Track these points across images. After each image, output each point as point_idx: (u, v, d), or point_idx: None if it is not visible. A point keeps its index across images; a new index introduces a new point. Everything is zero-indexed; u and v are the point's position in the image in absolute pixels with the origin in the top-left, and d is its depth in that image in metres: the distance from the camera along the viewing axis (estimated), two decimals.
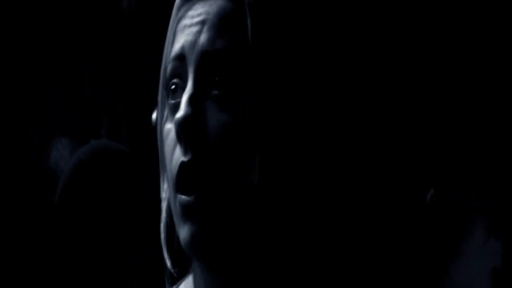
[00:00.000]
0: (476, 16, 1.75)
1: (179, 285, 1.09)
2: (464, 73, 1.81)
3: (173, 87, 0.98)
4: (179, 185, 0.95)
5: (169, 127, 0.98)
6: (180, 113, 0.93)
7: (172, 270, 1.03)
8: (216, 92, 0.94)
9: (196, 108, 0.94)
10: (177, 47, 0.98)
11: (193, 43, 0.96)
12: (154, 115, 1.12)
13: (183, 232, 0.95)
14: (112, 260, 0.93)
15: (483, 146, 1.79)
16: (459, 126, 1.81)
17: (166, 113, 1.00)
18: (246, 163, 0.94)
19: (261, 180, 0.93)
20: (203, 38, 0.96)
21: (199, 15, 0.98)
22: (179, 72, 0.97)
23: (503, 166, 1.78)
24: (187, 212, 0.95)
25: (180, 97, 0.96)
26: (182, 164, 0.94)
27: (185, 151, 0.94)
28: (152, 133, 1.05)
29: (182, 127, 0.93)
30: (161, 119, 1.01)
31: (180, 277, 1.08)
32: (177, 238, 0.97)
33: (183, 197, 0.95)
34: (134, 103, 1.65)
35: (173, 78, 0.98)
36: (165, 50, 1.01)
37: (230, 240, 0.96)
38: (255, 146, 0.94)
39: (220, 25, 0.96)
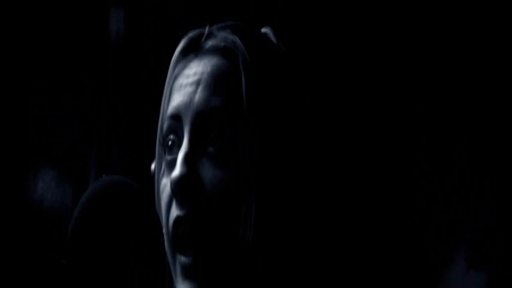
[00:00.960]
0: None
1: None
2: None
3: (169, 143, 1.01)
4: (176, 245, 0.98)
5: (165, 182, 1.01)
6: (175, 172, 0.96)
7: None
8: (211, 149, 0.97)
9: (191, 166, 0.97)
10: (173, 106, 1.01)
11: (188, 103, 0.99)
12: (152, 166, 1.10)
13: None
14: None
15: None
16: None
17: (163, 167, 1.03)
18: (241, 218, 0.96)
19: (255, 236, 0.96)
20: (197, 98, 0.98)
21: (194, 74, 1.01)
22: (175, 130, 1.01)
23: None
24: (187, 272, 0.97)
25: (176, 153, 0.99)
26: (178, 218, 0.97)
27: (180, 207, 0.97)
28: (151, 183, 1.07)
29: (178, 186, 0.96)
30: (159, 172, 1.04)
31: None
32: None
33: (182, 258, 0.97)
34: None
35: (169, 135, 1.02)
36: (162, 106, 1.04)
37: (223, 279, 0.97)
38: (249, 201, 0.96)
39: (215, 83, 0.99)
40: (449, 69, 1.78)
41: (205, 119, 0.98)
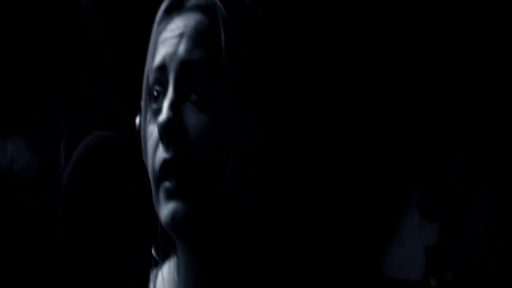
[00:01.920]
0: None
1: (162, 266, 1.16)
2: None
3: (155, 93, 1.09)
4: (161, 175, 1.04)
5: (152, 129, 1.09)
6: (162, 117, 1.04)
7: (156, 256, 1.11)
8: (194, 96, 1.05)
9: (176, 111, 1.05)
10: (158, 58, 1.10)
11: (173, 53, 1.07)
12: (137, 120, 1.17)
13: (165, 210, 1.05)
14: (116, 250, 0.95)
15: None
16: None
17: (149, 116, 1.11)
18: (222, 158, 1.04)
19: (235, 174, 1.04)
20: (181, 48, 1.07)
21: (177, 28, 1.09)
22: (161, 81, 1.09)
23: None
24: (170, 194, 1.04)
25: (162, 102, 1.07)
26: (165, 160, 1.04)
27: (167, 150, 1.05)
28: (137, 135, 1.14)
29: (165, 129, 1.04)
30: (145, 122, 1.12)
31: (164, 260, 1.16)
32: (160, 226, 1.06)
33: (166, 183, 1.04)
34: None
35: (155, 86, 1.10)
36: (147, 61, 1.13)
37: (209, 219, 1.05)
38: (230, 143, 1.04)
39: (197, 37, 1.07)
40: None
41: (188, 69, 1.06)
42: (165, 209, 1.05)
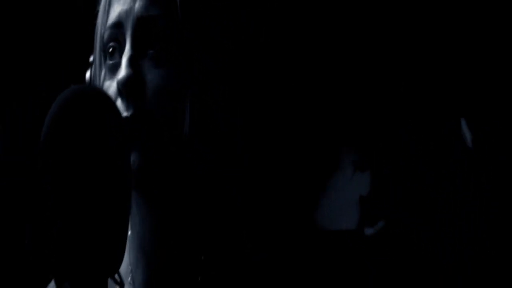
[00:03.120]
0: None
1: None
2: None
3: (110, 49, 1.10)
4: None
5: (109, 84, 1.09)
6: (122, 74, 1.05)
7: None
8: (151, 51, 1.06)
9: (135, 68, 1.05)
10: (113, 15, 1.10)
11: (129, 10, 1.08)
12: (87, 74, 1.17)
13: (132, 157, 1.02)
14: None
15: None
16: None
17: (104, 72, 1.11)
18: (179, 114, 1.04)
19: (190, 128, 1.04)
20: (137, 5, 1.07)
21: None
22: (116, 37, 1.09)
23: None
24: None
25: (118, 58, 1.08)
26: (126, 119, 1.03)
27: (127, 107, 1.05)
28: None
29: (124, 86, 1.04)
30: (99, 77, 1.11)
31: None
32: None
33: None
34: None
35: (110, 42, 1.10)
36: (99, 19, 1.13)
37: (163, 174, 1.06)
38: (187, 98, 1.04)
39: None
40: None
41: (145, 25, 1.06)
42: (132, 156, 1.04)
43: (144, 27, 1.06)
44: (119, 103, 1.06)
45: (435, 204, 1.91)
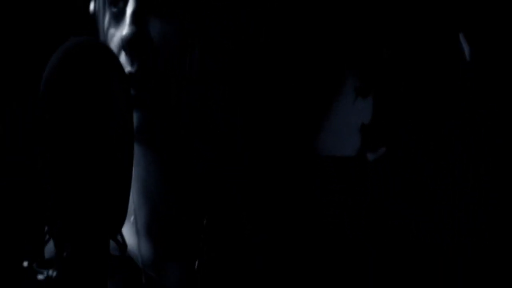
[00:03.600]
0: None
1: None
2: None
3: None
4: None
5: (113, 32, 1.03)
6: (125, 31, 1.00)
7: None
8: (157, 3, 1.00)
9: (139, 23, 1.00)
10: None
11: None
12: (91, 6, 1.10)
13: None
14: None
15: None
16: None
17: (107, 18, 1.04)
18: (185, 73, 1.02)
19: (200, 74, 1.02)
20: None
21: None
22: None
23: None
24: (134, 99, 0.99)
25: (122, 4, 1.02)
26: (130, 74, 1.01)
27: (131, 62, 1.01)
28: (91, 21, 1.09)
29: (128, 44, 1.00)
30: (102, 22, 1.05)
31: None
32: None
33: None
34: None
35: None
36: None
37: (171, 128, 1.03)
38: (194, 51, 1.01)
39: None
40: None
41: None
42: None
43: None
44: (122, 57, 1.02)
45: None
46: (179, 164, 1.07)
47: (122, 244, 0.94)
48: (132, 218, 1.10)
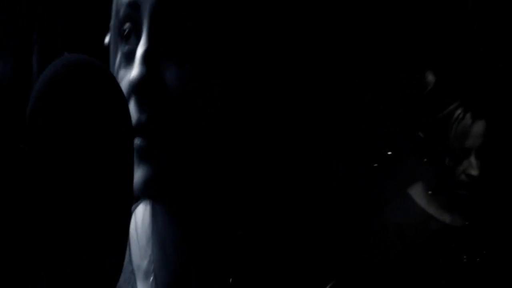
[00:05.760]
0: None
1: (135, 208, 1.06)
2: None
3: (126, 32, 0.90)
4: (134, 132, 0.87)
5: (123, 74, 0.91)
6: (134, 73, 0.86)
7: None
8: (171, 44, 0.86)
9: (151, 65, 0.86)
10: None
11: None
12: (107, 39, 0.96)
13: (136, 175, 0.87)
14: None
15: None
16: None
17: (119, 57, 0.92)
18: (203, 118, 0.86)
19: (217, 125, 0.87)
20: None
21: None
22: (133, 18, 0.89)
23: None
24: (141, 154, 0.87)
25: (134, 44, 0.89)
26: (139, 121, 0.88)
27: (140, 110, 0.88)
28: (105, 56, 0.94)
29: (137, 88, 0.87)
30: (114, 62, 0.92)
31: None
32: None
33: (137, 140, 0.88)
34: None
35: (126, 23, 0.90)
36: None
37: (188, 181, 0.89)
38: (212, 102, 0.85)
39: None
40: None
41: (167, 10, 0.85)
42: (136, 174, 0.88)
43: (165, 13, 0.86)
44: (132, 103, 0.89)
45: None
46: (197, 222, 0.95)
47: None
48: (151, 279, 1.00)
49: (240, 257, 0.94)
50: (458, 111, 2.21)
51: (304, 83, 0.98)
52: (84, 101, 0.75)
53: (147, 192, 0.90)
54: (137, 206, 1.09)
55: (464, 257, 2.26)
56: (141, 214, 1.05)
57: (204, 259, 0.95)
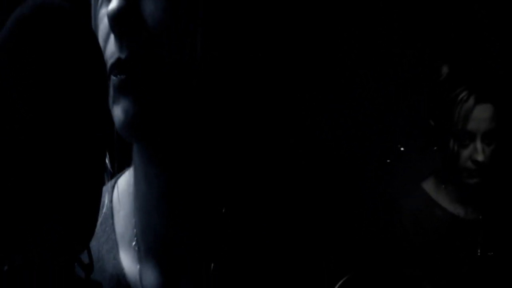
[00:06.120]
0: None
1: (119, 177, 1.02)
2: None
3: None
4: (112, 70, 0.85)
5: (104, 12, 0.87)
6: (112, 4, 0.82)
7: (110, 167, 0.95)
8: None
9: None
10: None
11: None
12: None
13: (116, 110, 0.85)
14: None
15: None
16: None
17: None
18: (186, 47, 0.82)
19: (202, 59, 0.83)
20: None
21: None
22: None
23: None
24: (120, 90, 0.84)
25: None
26: (119, 61, 0.84)
27: (120, 46, 0.84)
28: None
29: (115, 21, 0.82)
30: (95, 3, 0.89)
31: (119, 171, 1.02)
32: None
33: (114, 78, 0.85)
34: None
35: None
36: None
37: (167, 116, 0.85)
38: (195, 34, 0.82)
39: None
40: None
41: None
42: (116, 109, 0.86)
43: None
44: (111, 40, 0.85)
45: None
46: (181, 184, 0.91)
47: (88, 264, 0.78)
48: (133, 244, 0.97)
49: (223, 220, 0.92)
50: (463, 94, 2.19)
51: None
52: (52, 43, 0.72)
53: (128, 130, 0.86)
54: (119, 177, 1.04)
55: (478, 250, 2.24)
56: (124, 184, 1.02)
57: (188, 224, 0.92)
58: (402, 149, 2.15)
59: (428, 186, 2.39)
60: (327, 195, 0.96)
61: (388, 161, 2.21)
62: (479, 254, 2.24)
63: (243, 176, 0.93)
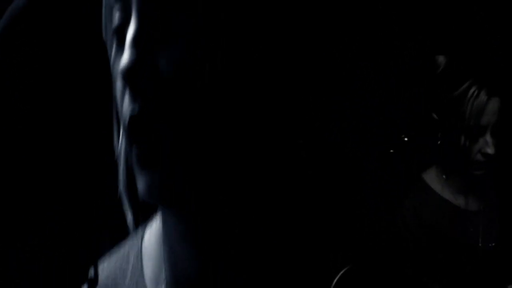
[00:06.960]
0: None
1: (143, 235, 1.00)
2: None
3: (117, 18, 0.82)
4: (131, 134, 0.81)
5: (118, 65, 0.83)
6: (124, 59, 0.77)
7: (133, 222, 0.92)
8: (166, 26, 0.78)
9: (142, 49, 0.77)
10: None
11: None
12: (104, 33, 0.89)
13: (140, 183, 0.81)
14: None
15: None
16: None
17: (114, 43, 0.84)
18: (206, 103, 0.78)
19: (224, 119, 0.78)
20: None
21: None
22: (123, 3, 0.81)
23: None
24: (142, 162, 0.80)
25: (124, 20, 0.81)
26: (132, 116, 0.79)
27: (133, 100, 0.79)
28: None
29: (127, 76, 0.77)
30: (111, 48, 0.85)
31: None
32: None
33: (136, 147, 0.81)
34: None
35: (115, 4, 0.82)
36: None
37: (194, 183, 0.81)
38: (213, 82, 0.77)
39: None
40: None
41: None
42: (140, 181, 0.81)
43: None
44: (126, 95, 0.80)
45: None
46: (209, 232, 0.87)
47: (93, 279, 0.78)
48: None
49: (255, 263, 0.88)
50: (473, 89, 2.19)
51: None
52: (48, 34, 0.70)
53: (153, 197, 0.81)
54: (150, 219, 1.01)
55: (480, 240, 2.25)
56: (153, 229, 0.99)
57: (221, 270, 0.88)
58: (406, 139, 2.15)
59: (429, 177, 2.40)
60: (330, 188, 0.94)
61: (391, 151, 2.21)
62: (480, 244, 2.25)
63: (267, 210, 0.91)
